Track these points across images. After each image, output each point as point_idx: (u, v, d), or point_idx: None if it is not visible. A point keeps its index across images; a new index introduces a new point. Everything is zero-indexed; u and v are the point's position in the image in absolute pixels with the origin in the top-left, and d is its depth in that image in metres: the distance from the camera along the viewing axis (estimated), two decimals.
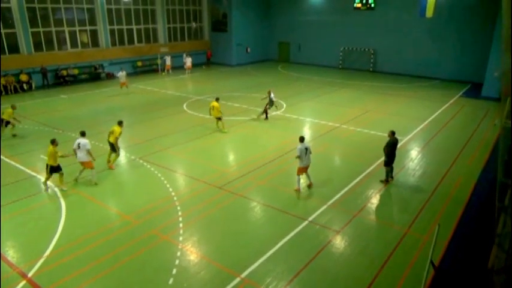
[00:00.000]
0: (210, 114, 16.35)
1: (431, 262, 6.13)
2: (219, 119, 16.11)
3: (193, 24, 35.85)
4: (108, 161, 12.64)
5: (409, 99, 22.47)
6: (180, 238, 8.59)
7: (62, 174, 10.91)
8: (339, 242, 8.52)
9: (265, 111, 17.99)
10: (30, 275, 7.38)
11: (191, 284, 7.20)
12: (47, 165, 10.69)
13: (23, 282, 7.17)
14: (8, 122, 14.99)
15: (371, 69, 31.93)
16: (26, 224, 9.32)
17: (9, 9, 23.87)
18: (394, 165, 11.32)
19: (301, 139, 10.57)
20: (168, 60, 31.13)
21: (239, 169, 12.48)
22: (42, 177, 11.37)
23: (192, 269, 7.64)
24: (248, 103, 21.01)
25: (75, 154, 11.08)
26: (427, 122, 17.68)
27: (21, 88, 24.09)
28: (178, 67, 32.18)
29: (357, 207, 9.98)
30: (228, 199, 10.41)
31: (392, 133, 10.95)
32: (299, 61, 36.33)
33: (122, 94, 23.27)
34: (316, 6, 34.18)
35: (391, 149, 10.93)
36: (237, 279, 7.25)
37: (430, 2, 26.13)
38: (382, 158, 11.40)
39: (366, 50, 31.89)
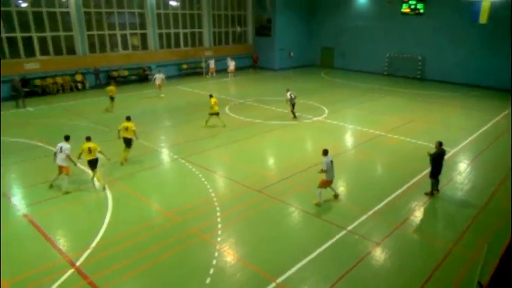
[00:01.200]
0: (212, 112, 16.98)
1: (479, 283, 5.82)
2: (217, 114, 17.00)
3: (238, 29, 36.44)
4: (125, 160, 13.10)
5: (458, 108, 21.45)
6: (218, 239, 8.74)
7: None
8: (378, 254, 8.29)
9: (293, 113, 18.78)
10: (78, 263, 7.82)
11: (227, 285, 7.30)
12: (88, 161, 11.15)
13: (71, 270, 7.61)
14: None
15: (418, 76, 30.80)
16: (76, 215, 9.91)
17: (67, 13, 25.51)
18: (441, 177, 10.84)
19: (325, 152, 10.08)
20: (212, 64, 31.84)
21: (278, 173, 12.50)
22: (90, 172, 12.05)
23: (229, 270, 7.75)
24: (289, 108, 20.95)
25: (55, 157, 10.90)
26: (477, 133, 16.77)
27: (76, 87, 25.62)
28: (221, 70, 32.81)
29: (399, 219, 9.66)
30: (266, 203, 10.46)
31: (440, 144, 10.51)
32: (343, 67, 35.78)
33: (167, 96, 24.06)
34: (362, 11, 33.55)
35: (437, 160, 10.49)
36: (273, 284, 7.26)
37: (484, 6, 24.88)
38: (428, 170, 10.97)
39: (413, 56, 30.83)
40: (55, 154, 10.98)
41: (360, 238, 8.81)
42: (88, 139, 11.21)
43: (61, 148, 10.84)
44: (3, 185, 11.47)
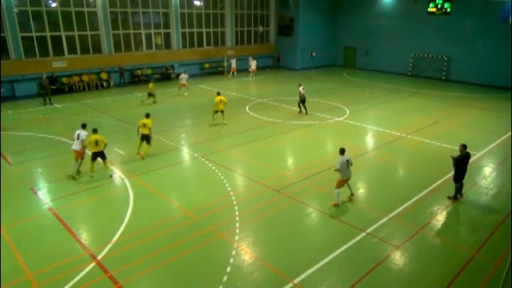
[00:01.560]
0: (217, 109, 17.33)
1: None
2: (222, 112, 17.44)
3: (260, 28, 36.48)
4: (138, 153, 13.45)
5: (484, 111, 20.79)
6: (236, 237, 8.79)
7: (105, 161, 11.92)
8: (398, 258, 8.14)
9: (299, 106, 19.46)
10: (99, 258, 8.03)
11: (244, 284, 7.34)
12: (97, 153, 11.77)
13: (93, 264, 7.83)
14: None
15: (443, 77, 30.03)
16: (99, 210, 10.18)
17: (94, 13, 26.20)
18: (465, 181, 10.54)
19: (342, 151, 10.03)
20: (234, 63, 31.99)
21: (297, 173, 12.46)
22: (114, 169, 12.36)
23: (246, 269, 7.78)
24: (310, 108, 20.83)
25: (72, 143, 11.87)
26: (504, 137, 16.20)
27: (101, 85, 26.28)
28: (243, 70, 32.92)
29: (420, 223, 9.46)
30: (285, 203, 10.45)
31: (464, 147, 10.22)
32: (365, 67, 35.28)
33: (189, 94, 24.35)
34: (386, 10, 32.98)
35: (461, 164, 10.21)
36: (289, 285, 7.25)
37: None
38: (451, 173, 10.69)
39: (439, 57, 30.07)
40: (73, 140, 11.84)
41: (379, 241, 8.68)
42: (95, 131, 11.73)
43: (78, 135, 11.69)
44: (31, 180, 11.91)
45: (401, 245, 8.57)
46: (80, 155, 11.81)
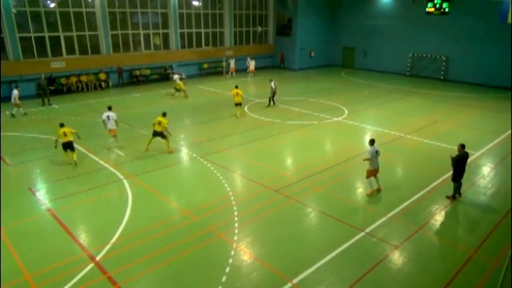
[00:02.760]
0: (235, 102, 18.46)
1: None
2: (240, 104, 18.56)
3: (259, 29, 36.48)
4: (147, 149, 14.01)
5: (482, 110, 20.83)
6: (235, 238, 8.79)
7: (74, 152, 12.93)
8: (396, 258, 8.15)
9: (270, 100, 20.95)
10: (98, 258, 8.02)
11: (243, 284, 7.34)
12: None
13: (91, 265, 7.81)
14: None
15: (441, 77, 30.07)
16: (97, 210, 10.16)
17: (93, 13, 26.16)
18: (463, 181, 10.56)
19: (372, 142, 10.63)
20: (233, 63, 32.00)
21: (296, 173, 12.47)
22: (114, 170, 12.37)
23: (245, 269, 7.78)
24: (308, 108, 20.89)
25: (105, 124, 13.93)
26: (502, 136, 16.23)
27: (100, 86, 26.23)
28: (241, 70, 32.92)
29: (419, 222, 9.47)
30: (283, 203, 10.45)
31: (462, 146, 10.24)
32: (364, 67, 35.31)
33: (187, 94, 24.33)
34: (385, 10, 33.02)
35: (460, 163, 10.23)
36: (288, 285, 7.25)
37: None
38: (450, 173, 10.71)
39: (437, 56, 30.11)
40: (104, 122, 14.02)
41: (378, 241, 8.69)
42: (62, 125, 12.79)
43: (108, 116, 13.91)
44: (29, 181, 11.89)
45: (400, 244, 8.58)
46: (113, 132, 13.99)
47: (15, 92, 18.72)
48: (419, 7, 30.32)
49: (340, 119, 18.89)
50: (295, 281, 7.34)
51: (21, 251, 8.26)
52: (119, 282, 7.31)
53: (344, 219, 9.58)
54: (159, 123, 13.63)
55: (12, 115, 18.77)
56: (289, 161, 14.10)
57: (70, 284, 7.22)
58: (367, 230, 9.06)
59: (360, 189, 11.34)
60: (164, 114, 13.96)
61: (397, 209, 10.06)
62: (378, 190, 10.92)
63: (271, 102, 21.14)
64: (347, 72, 34.00)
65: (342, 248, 8.37)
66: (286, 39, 36.23)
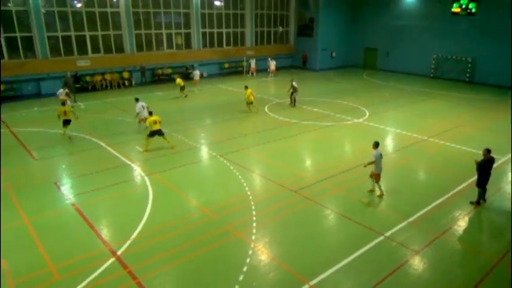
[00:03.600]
0: (249, 101, 19.43)
1: None
2: (251, 103, 19.55)
3: (280, 29, 36.44)
4: (146, 150, 14.24)
5: (509, 114, 20.13)
6: (253, 237, 8.82)
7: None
8: (417, 264, 8.00)
9: (292, 99, 21.24)
10: (119, 253, 8.20)
11: (260, 283, 7.36)
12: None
13: (112, 259, 7.99)
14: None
15: (467, 79, 29.29)
16: (119, 206, 10.39)
17: (117, 13, 26.74)
18: (488, 186, 10.26)
19: (376, 144, 10.44)
20: (253, 63, 32.09)
21: (315, 174, 12.40)
22: (136, 167, 12.62)
23: (262, 269, 7.80)
24: (328, 109, 20.74)
25: (140, 114, 15.97)
26: None
27: (123, 84, 26.80)
28: (262, 70, 32.96)
29: (441, 228, 9.26)
30: (302, 204, 10.42)
31: (488, 151, 9.94)
32: (386, 68, 34.77)
33: (208, 94, 24.61)
34: (409, 10, 32.41)
35: (485, 168, 9.94)
36: (306, 286, 7.22)
37: None
38: (474, 178, 10.43)
39: (463, 58, 29.34)
40: (139, 113, 16.12)
41: (398, 245, 8.54)
42: (63, 104, 15.72)
43: (143, 106, 16.19)
44: (54, 175, 12.26)
45: (420, 250, 8.41)
46: (144, 120, 15.56)
47: (61, 91, 19.17)
48: (444, 7, 29.62)
49: (360, 120, 18.67)
50: (312, 282, 7.31)
51: (46, 244, 8.53)
52: (139, 277, 7.45)
53: (363, 222, 9.47)
54: (155, 122, 14.00)
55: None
56: (308, 162, 14.04)
57: (91, 278, 7.40)
58: (387, 234, 8.93)
59: (380, 192, 11.17)
60: (151, 113, 14.61)
61: (419, 214, 9.87)
62: (380, 195, 10.76)
63: (292, 101, 21.35)
64: (369, 74, 33.55)
65: (360, 251, 8.27)
66: (307, 39, 36.05)
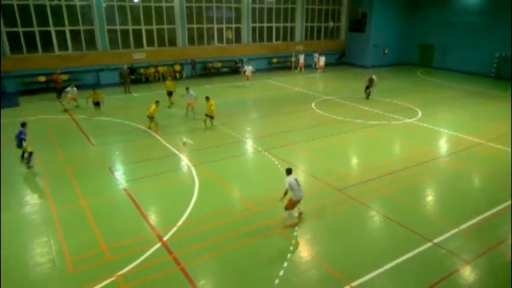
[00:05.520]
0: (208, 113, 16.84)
1: None
2: (211, 117, 17.47)
3: (331, 24, 35.72)
4: (150, 128, 15.97)
5: None
6: (295, 233, 8.82)
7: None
8: (467, 274, 7.58)
9: (367, 92, 22.02)
10: (165, 239, 8.56)
11: (300, 280, 7.36)
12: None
13: (159, 244, 8.36)
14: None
15: None
16: (167, 194, 10.82)
17: (171, 8, 27.60)
18: None
19: (289, 171, 9.08)
20: (302, 58, 31.80)
21: (361, 174, 12.11)
22: (182, 156, 13.05)
23: (303, 266, 7.79)
24: (378, 107, 20.09)
25: (189, 98, 17.47)
26: None
27: (174, 77, 27.69)
28: (310, 65, 32.59)
29: (496, 239, 8.69)
30: (346, 203, 10.24)
31: None
32: (443, 66, 32.95)
33: (255, 88, 24.76)
34: (469, 5, 30.41)
35: None
36: (346, 287, 7.12)
37: None
38: None
39: None
40: (190, 101, 17.47)
41: (448, 253, 8.14)
42: (94, 88, 18.71)
43: (192, 94, 17.58)
44: (109, 161, 13.01)
45: (472, 260, 7.96)
46: (192, 105, 17.60)
47: (73, 89, 19.44)
48: (507, 1, 27.43)
49: (412, 120, 17.91)
50: (354, 283, 7.19)
51: (99, 224, 9.10)
52: (183, 263, 7.74)
53: (410, 227, 9.12)
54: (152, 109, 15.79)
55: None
56: (354, 161, 13.73)
57: (139, 260, 7.80)
58: (436, 241, 8.54)
59: (430, 197, 10.72)
60: (157, 102, 16.18)
61: (472, 222, 9.33)
62: (300, 214, 9.41)
63: (367, 95, 22.11)
64: (423, 72, 32.01)
65: (406, 256, 7.99)
66: (359, 35, 35.03)
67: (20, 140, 12.08)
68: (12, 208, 9.91)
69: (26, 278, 7.41)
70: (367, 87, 22.14)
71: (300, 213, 9.47)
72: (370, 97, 22.14)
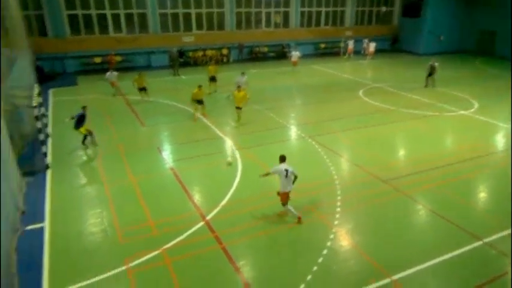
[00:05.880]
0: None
1: None
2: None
3: (383, 8, 34.18)
4: (196, 109, 15.76)
5: None
6: (336, 222, 8.76)
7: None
8: None
9: (427, 80, 21.09)
10: (208, 218, 8.86)
11: (340, 268, 7.34)
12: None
13: (202, 223, 8.67)
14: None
15: None
16: (211, 175, 11.11)
17: None
18: None
19: (282, 159, 8.74)
20: (351, 44, 30.87)
21: (408, 166, 11.71)
22: (227, 139, 13.30)
23: (343, 255, 7.75)
24: (430, 97, 19.15)
25: (240, 84, 15.58)
26: None
27: (222, 60, 28.02)
28: (360, 52, 31.56)
29: None
30: (390, 195, 9.97)
31: None
32: (506, 55, 30.52)
33: (301, 74, 24.46)
34: None
35: None
36: (387, 280, 6.99)
37: None
38: None
39: None
40: (238, 85, 15.29)
41: (499, 254, 7.73)
42: (140, 72, 18.47)
43: (241, 79, 16.75)
44: (158, 141, 13.54)
45: None
46: (244, 90, 15.71)
47: (113, 74, 19.18)
48: None
49: (466, 112, 16.90)
50: (394, 277, 7.05)
51: (147, 201, 9.58)
52: (224, 242, 7.99)
53: (459, 223, 8.73)
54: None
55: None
56: (401, 152, 13.27)
57: (183, 236, 8.16)
58: (486, 240, 8.12)
59: (482, 194, 10.18)
60: (200, 86, 15.63)
61: None
62: (299, 219, 8.74)
63: (428, 83, 21.30)
64: (483, 61, 29.90)
65: (453, 254, 7.68)
66: (413, 20, 33.26)
67: (78, 122, 12.38)
68: (69, 181, 10.68)
69: (81, 245, 8.01)
70: (430, 74, 21.08)
71: (299, 218, 8.76)
72: (432, 86, 21.12)
